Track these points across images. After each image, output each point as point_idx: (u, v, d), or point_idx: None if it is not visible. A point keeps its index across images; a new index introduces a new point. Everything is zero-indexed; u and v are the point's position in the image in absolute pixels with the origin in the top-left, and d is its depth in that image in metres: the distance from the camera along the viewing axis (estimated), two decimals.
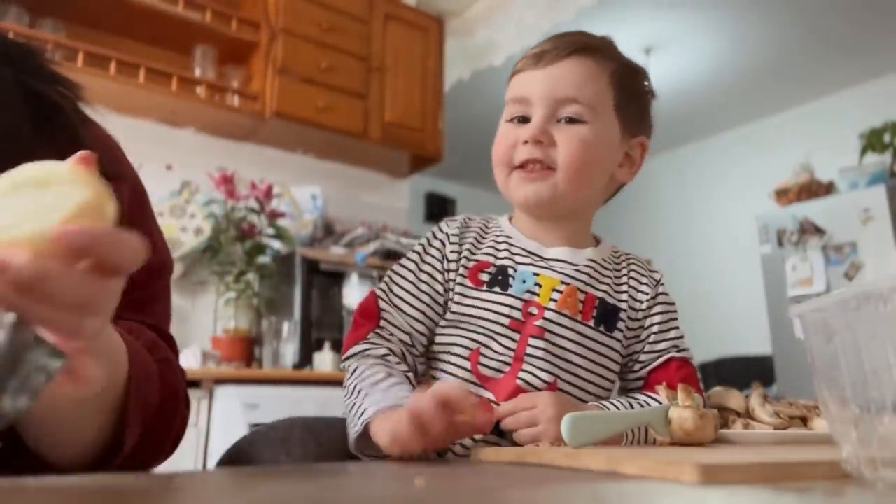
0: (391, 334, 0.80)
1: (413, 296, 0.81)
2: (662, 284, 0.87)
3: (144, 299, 0.65)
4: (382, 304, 0.81)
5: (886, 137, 3.55)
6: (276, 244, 2.38)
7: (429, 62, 2.95)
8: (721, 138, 5.10)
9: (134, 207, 0.64)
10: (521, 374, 0.76)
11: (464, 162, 5.29)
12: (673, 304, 0.87)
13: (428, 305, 0.81)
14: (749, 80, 4.31)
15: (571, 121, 0.80)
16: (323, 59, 2.59)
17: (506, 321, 0.78)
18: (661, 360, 0.83)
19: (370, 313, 0.81)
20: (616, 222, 5.79)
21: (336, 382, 2.03)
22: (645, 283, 0.85)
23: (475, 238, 0.85)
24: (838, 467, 0.37)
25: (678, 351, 0.84)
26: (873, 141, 3.57)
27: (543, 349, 0.77)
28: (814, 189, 3.69)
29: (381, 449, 0.63)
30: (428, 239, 0.85)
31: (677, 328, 0.86)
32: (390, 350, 0.78)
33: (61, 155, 0.58)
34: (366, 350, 0.77)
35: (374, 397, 0.68)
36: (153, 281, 0.66)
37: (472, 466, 0.52)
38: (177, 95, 2.30)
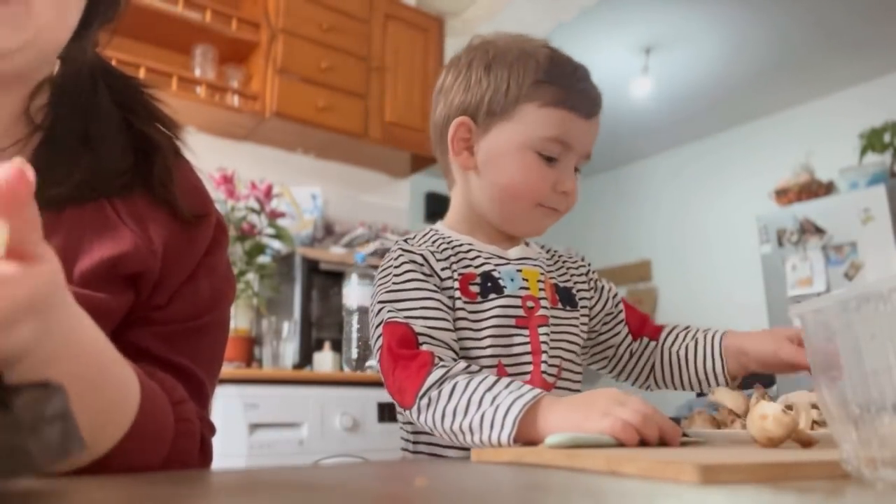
0: (444, 354, 0.73)
1: (435, 315, 0.75)
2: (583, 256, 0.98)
3: (181, 333, 0.60)
4: (416, 328, 0.73)
5: (886, 137, 3.55)
6: (276, 244, 2.38)
7: (429, 62, 2.95)
8: (721, 138, 5.09)
9: (213, 243, 0.65)
10: (542, 367, 0.79)
11: None
12: None
13: (449, 318, 0.77)
14: (749, 79, 4.31)
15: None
16: (323, 59, 2.59)
17: (512, 321, 0.79)
18: (623, 306, 0.95)
19: (409, 341, 0.73)
20: (616, 223, 5.79)
21: (336, 382, 2.02)
22: (573, 258, 0.95)
23: (448, 252, 0.82)
24: (838, 467, 0.37)
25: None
26: (873, 141, 3.57)
27: (547, 335, 0.80)
28: (814, 189, 3.69)
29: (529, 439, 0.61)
30: (403, 261, 0.79)
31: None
32: (467, 364, 0.71)
33: (153, 192, 0.61)
34: (449, 370, 0.69)
35: (511, 395, 0.63)
36: (201, 313, 0.62)
37: (472, 466, 0.52)
38: (176, 95, 2.29)
